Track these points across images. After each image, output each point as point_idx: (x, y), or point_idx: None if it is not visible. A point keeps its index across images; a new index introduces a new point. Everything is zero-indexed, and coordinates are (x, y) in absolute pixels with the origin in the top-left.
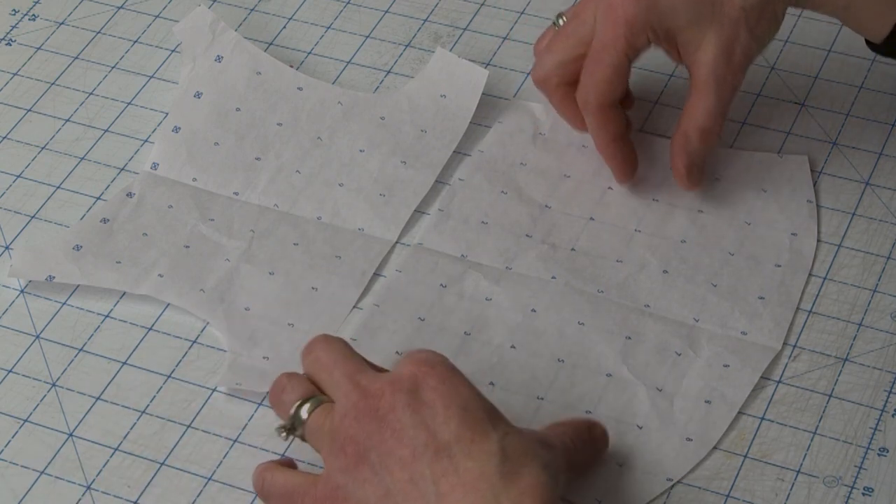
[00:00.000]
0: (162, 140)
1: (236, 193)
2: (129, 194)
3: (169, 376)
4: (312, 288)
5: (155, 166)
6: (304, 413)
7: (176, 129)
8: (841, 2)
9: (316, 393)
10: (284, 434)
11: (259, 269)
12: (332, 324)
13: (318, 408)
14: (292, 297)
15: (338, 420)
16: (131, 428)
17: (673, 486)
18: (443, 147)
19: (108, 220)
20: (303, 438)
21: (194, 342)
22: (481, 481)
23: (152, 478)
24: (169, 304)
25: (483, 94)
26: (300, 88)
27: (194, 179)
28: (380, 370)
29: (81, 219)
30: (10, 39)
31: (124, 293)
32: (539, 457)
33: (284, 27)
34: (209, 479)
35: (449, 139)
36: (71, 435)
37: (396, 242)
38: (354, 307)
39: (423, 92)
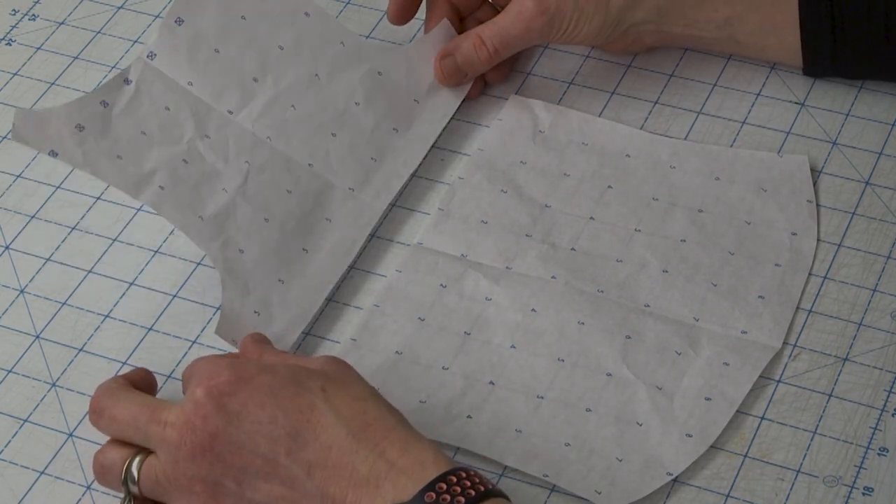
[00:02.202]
0: (163, 30)
1: (230, 112)
2: (127, 81)
3: (169, 376)
4: (304, 249)
5: (152, 56)
6: (134, 472)
7: (178, 21)
8: (721, 16)
9: (131, 452)
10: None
11: (255, 209)
12: (320, 291)
13: (144, 463)
14: (284, 254)
15: (171, 468)
16: None
17: (673, 485)
18: (435, 121)
19: (108, 104)
20: (145, 499)
21: (194, 342)
22: (343, 453)
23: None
24: (168, 304)
25: (482, 93)
26: (307, 14)
27: (190, 83)
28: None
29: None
30: (10, 39)
31: (124, 293)
32: (361, 393)
33: None
34: None
35: (441, 114)
36: (71, 435)
37: (390, 236)
38: (354, 307)
39: (422, 58)
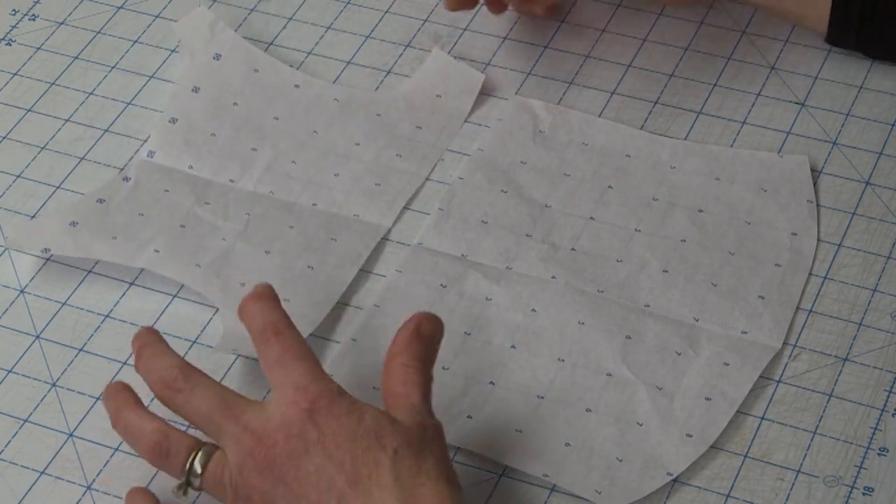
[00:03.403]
0: (159, 130)
1: (232, 181)
2: (126, 178)
3: None
4: (308, 267)
5: (151, 154)
6: (197, 467)
7: (173, 121)
8: None
9: (200, 443)
10: (183, 493)
11: (255, 248)
12: (328, 301)
13: (212, 458)
14: (288, 276)
15: (236, 472)
16: None
17: (673, 485)
18: (438, 143)
19: (105, 200)
20: (201, 490)
21: (194, 342)
22: None
23: (152, 478)
24: (169, 304)
25: (482, 93)
26: (297, 86)
27: (190, 167)
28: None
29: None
30: (10, 39)
31: (124, 293)
32: (429, 469)
33: (284, 27)
34: None
35: (445, 136)
36: (71, 435)
37: (389, 236)
38: (354, 307)
39: (419, 91)
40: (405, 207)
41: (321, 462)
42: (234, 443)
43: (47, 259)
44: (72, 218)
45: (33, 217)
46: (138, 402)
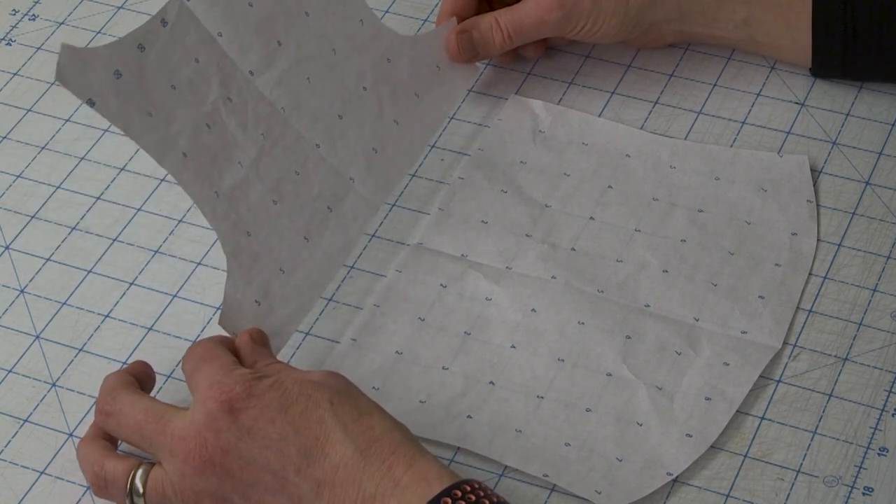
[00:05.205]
0: None
1: (252, 73)
2: (164, 22)
3: (169, 376)
4: (304, 238)
5: None
6: (138, 486)
7: None
8: (739, 16)
9: (134, 463)
10: None
11: (265, 189)
12: (317, 287)
13: (150, 475)
14: (286, 240)
15: (178, 481)
16: None
17: (673, 485)
18: (432, 123)
19: (144, 47)
20: None
21: (194, 342)
22: (350, 471)
23: None
24: (168, 305)
25: (482, 93)
26: None
27: (220, 34)
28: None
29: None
30: (10, 39)
31: (124, 293)
32: (366, 405)
33: None
34: None
35: (438, 115)
36: (71, 435)
37: (389, 236)
38: (354, 307)
39: (425, 52)
40: (405, 207)
41: (260, 444)
42: (167, 454)
43: (47, 259)
44: (116, 65)
45: (34, 217)
46: (96, 434)
